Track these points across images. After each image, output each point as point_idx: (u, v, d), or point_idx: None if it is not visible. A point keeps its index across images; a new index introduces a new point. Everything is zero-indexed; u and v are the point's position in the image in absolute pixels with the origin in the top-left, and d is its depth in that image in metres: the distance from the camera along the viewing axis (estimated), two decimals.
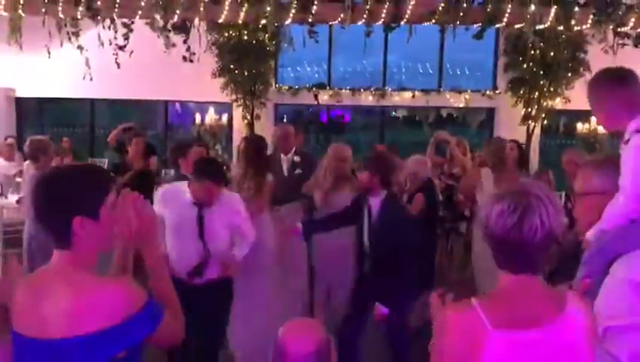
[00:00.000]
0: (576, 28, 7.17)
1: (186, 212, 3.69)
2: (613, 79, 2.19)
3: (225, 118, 10.86)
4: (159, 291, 1.80)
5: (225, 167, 5.88)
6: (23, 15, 6.68)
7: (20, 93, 11.55)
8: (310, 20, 6.74)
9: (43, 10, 6.54)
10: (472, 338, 1.57)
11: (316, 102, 10.97)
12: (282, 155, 5.77)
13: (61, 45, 6.83)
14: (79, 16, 6.73)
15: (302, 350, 1.92)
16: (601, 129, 10.05)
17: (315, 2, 6.63)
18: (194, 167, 3.76)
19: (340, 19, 6.64)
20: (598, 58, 8.10)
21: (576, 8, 6.74)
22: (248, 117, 10.52)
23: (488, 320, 1.56)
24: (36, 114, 12.64)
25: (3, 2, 6.56)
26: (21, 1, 6.58)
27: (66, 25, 6.76)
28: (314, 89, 11.05)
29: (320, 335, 1.97)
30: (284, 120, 12.45)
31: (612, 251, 1.92)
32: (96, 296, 1.59)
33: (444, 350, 1.63)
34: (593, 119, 10.12)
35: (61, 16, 6.69)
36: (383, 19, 6.72)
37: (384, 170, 3.96)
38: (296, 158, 5.74)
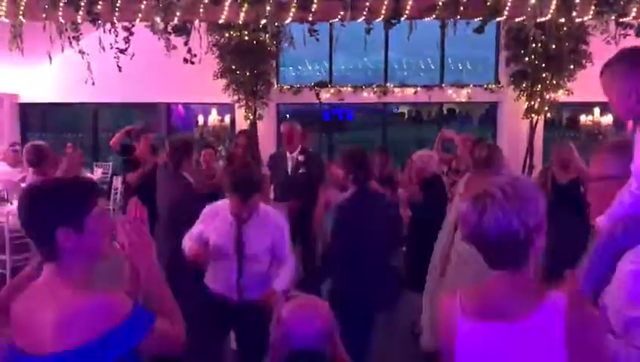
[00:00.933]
0: (577, 19, 7.14)
1: (225, 229, 3.49)
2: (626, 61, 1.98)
3: (228, 118, 10.87)
4: (154, 299, 1.82)
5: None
6: (24, 21, 6.70)
7: (23, 99, 11.59)
8: (310, 19, 6.74)
9: (43, 15, 6.55)
10: (449, 324, 1.70)
11: (318, 101, 11.00)
12: (287, 153, 5.76)
13: (62, 50, 6.85)
14: (79, 21, 6.74)
15: (307, 331, 1.92)
16: (605, 120, 10.01)
17: (315, 0, 6.62)
18: (232, 180, 3.43)
19: (339, 16, 6.63)
20: (600, 49, 8.07)
21: (577, 0, 6.72)
22: (251, 117, 10.54)
23: (462, 309, 1.68)
24: (40, 119, 12.67)
25: (4, 9, 6.58)
26: (22, 7, 6.60)
27: (66, 30, 6.78)
28: (315, 87, 11.06)
29: (324, 316, 1.97)
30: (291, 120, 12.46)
31: (624, 241, 1.86)
32: (79, 308, 1.60)
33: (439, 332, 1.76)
34: (596, 111, 10.08)
35: (62, 21, 6.70)
36: (382, 16, 6.71)
37: (356, 167, 3.86)
38: (301, 158, 5.73)
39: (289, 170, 5.75)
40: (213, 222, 3.54)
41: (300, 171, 5.69)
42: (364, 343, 3.78)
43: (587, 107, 10.31)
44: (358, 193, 3.83)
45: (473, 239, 1.63)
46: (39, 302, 1.64)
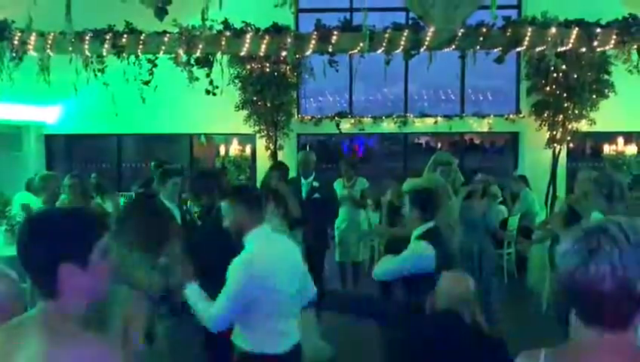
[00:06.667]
0: (598, 49, 7.11)
1: None
2: None
3: (249, 149, 10.95)
4: None
5: None
6: (52, 54, 6.87)
7: (48, 130, 11.82)
8: (330, 50, 6.81)
9: (70, 48, 6.72)
10: None
11: (338, 131, 11.05)
12: (302, 179, 6.14)
13: (87, 82, 7.00)
14: (105, 54, 6.90)
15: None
16: (628, 150, 9.87)
17: (334, 33, 6.70)
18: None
19: (359, 48, 6.69)
20: (623, 79, 8.02)
21: (598, 29, 6.70)
22: (272, 147, 10.60)
23: None
24: (64, 150, 12.89)
25: (33, 42, 6.77)
26: (49, 41, 6.78)
27: (92, 62, 6.94)
28: (336, 118, 11.12)
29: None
30: (307, 150, 12.49)
31: None
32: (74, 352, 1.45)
33: None
34: (620, 140, 9.96)
35: (87, 54, 6.87)
36: (401, 47, 6.75)
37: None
38: (315, 183, 6.15)
39: (303, 196, 6.06)
40: None
41: (315, 196, 6.04)
42: None
43: (610, 136, 10.20)
44: None
45: (570, 284, 1.33)
46: (27, 339, 1.47)
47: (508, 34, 6.68)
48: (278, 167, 6.31)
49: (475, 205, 5.46)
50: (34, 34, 6.74)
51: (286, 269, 3.10)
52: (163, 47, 6.86)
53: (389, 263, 3.86)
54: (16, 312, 1.75)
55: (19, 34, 6.71)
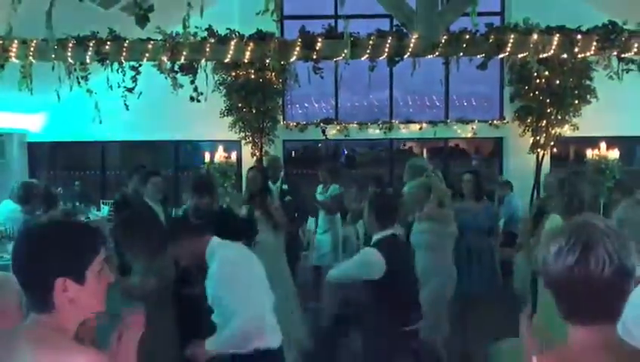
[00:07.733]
0: (579, 55, 7.20)
1: None
2: None
3: (234, 155, 10.91)
4: None
5: None
6: (34, 62, 6.82)
7: (31, 138, 11.70)
8: (314, 57, 6.83)
9: (53, 56, 6.67)
10: None
11: (324, 138, 11.07)
12: (271, 184, 6.20)
13: (71, 89, 6.95)
14: (88, 61, 6.86)
15: None
16: (611, 155, 9.98)
17: (319, 40, 6.72)
18: None
19: (343, 55, 6.71)
20: (604, 84, 8.13)
21: (579, 36, 6.78)
22: (257, 154, 10.58)
23: None
24: (48, 158, 12.77)
25: (14, 50, 6.71)
26: (32, 48, 6.72)
27: (75, 69, 6.89)
28: (321, 124, 11.14)
29: None
30: (293, 156, 12.55)
31: None
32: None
33: None
34: (603, 145, 10.06)
35: (70, 61, 6.82)
36: (385, 54, 6.79)
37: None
38: (285, 187, 6.42)
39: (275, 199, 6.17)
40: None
41: (286, 199, 6.19)
42: None
43: (593, 141, 10.31)
44: None
45: (569, 281, 1.31)
46: (15, 349, 1.46)
47: (490, 40, 6.75)
48: (257, 168, 6.40)
49: (470, 207, 5.52)
50: (15, 41, 6.68)
51: (252, 264, 3.25)
52: (147, 54, 6.83)
53: (342, 268, 3.99)
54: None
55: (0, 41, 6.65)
